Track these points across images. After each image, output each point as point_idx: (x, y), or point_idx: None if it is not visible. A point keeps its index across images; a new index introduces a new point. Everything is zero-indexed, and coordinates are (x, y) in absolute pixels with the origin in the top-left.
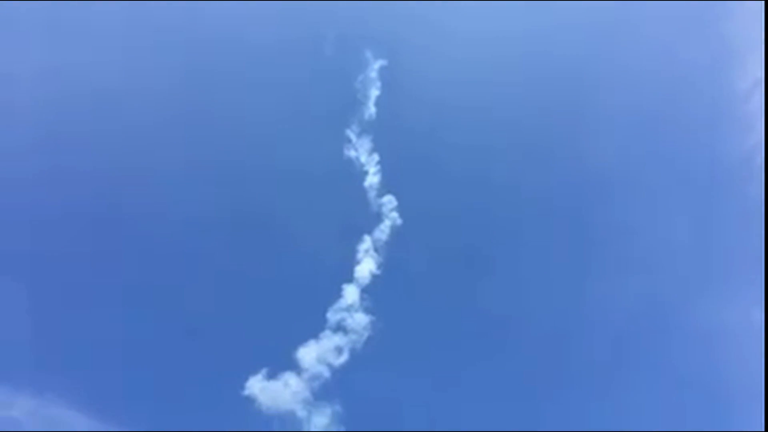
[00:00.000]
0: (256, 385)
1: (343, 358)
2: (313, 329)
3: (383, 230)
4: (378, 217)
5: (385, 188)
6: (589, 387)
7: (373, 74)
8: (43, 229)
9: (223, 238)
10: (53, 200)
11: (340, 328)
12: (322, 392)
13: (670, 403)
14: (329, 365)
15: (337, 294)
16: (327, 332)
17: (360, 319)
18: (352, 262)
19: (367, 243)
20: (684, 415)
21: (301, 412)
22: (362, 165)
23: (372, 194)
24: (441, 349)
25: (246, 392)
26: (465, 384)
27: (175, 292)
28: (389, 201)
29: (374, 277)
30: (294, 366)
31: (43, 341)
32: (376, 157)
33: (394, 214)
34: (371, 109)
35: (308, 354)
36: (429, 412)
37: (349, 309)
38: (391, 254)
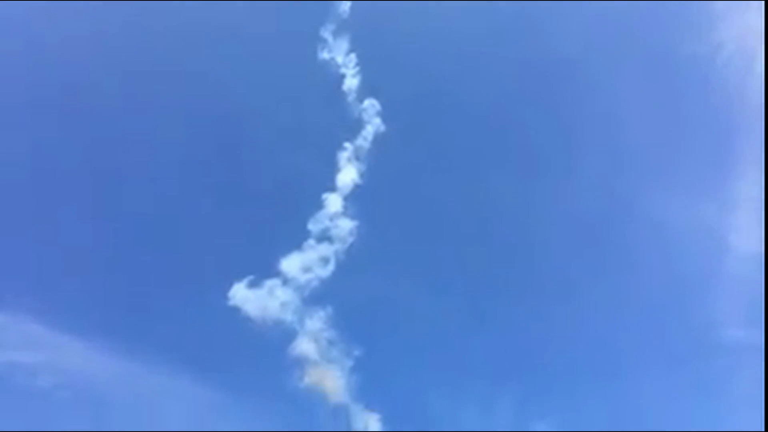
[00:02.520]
0: (241, 295)
1: (330, 265)
2: (297, 239)
3: (365, 137)
4: (359, 123)
5: (365, 92)
6: (561, 284)
7: None
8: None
9: (201, 148)
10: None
11: (324, 236)
12: (311, 299)
13: (632, 296)
14: (315, 273)
15: (320, 203)
16: (311, 241)
17: (344, 227)
18: (333, 170)
19: (348, 151)
20: (640, 308)
21: (291, 318)
22: (339, 67)
23: (352, 98)
24: (426, 251)
25: (231, 302)
26: (450, 283)
27: (155, 201)
28: (371, 105)
29: (356, 185)
30: (279, 275)
31: (11, 254)
32: (353, 58)
33: (377, 120)
34: (346, 5)
35: (293, 263)
36: (418, 310)
37: (332, 218)
38: (373, 162)
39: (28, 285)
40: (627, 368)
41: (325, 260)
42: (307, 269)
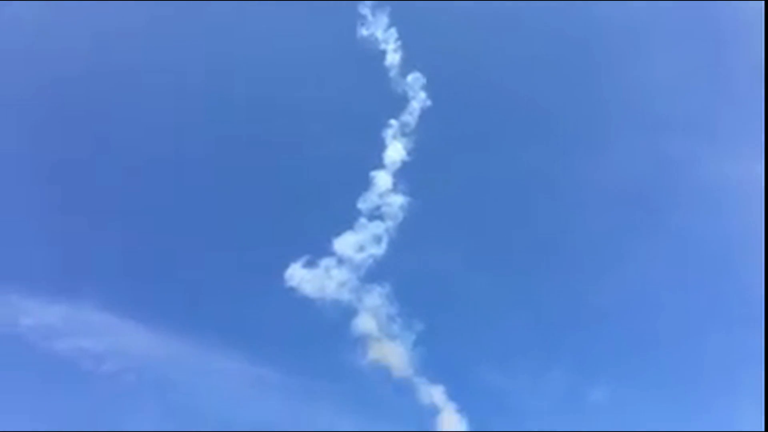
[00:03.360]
0: (298, 275)
1: (383, 243)
2: (348, 218)
3: (411, 112)
4: (404, 99)
5: (408, 67)
6: (611, 253)
7: None
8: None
9: (249, 132)
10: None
11: (375, 215)
12: (368, 277)
13: (676, 263)
14: (370, 252)
15: (368, 182)
16: (362, 220)
17: (394, 204)
18: (380, 148)
19: (394, 127)
20: (688, 275)
21: (349, 297)
22: (379, 43)
23: (394, 74)
24: (476, 224)
25: (288, 283)
26: (500, 255)
27: (209, 187)
28: (415, 80)
29: (404, 162)
30: (334, 255)
31: (75, 247)
32: (393, 32)
33: (422, 94)
34: None
35: (347, 243)
36: (472, 284)
37: (382, 195)
38: (420, 137)
39: (90, 276)
40: (678, 335)
41: (378, 238)
42: (361, 248)
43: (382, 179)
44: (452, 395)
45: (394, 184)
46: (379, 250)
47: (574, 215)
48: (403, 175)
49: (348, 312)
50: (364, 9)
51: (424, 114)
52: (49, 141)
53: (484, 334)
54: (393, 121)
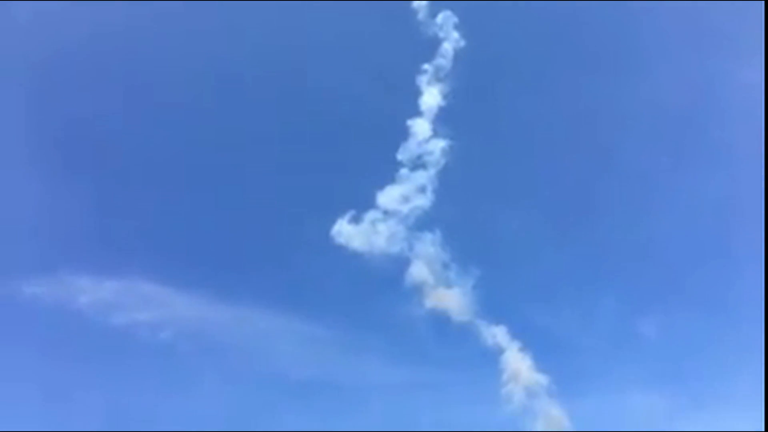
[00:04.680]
0: (345, 231)
1: (428, 191)
2: (390, 170)
3: (444, 54)
4: (435, 41)
5: (437, 6)
6: (649, 183)
7: None
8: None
9: (280, 92)
10: None
11: (417, 164)
12: (417, 226)
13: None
14: (415, 201)
15: (406, 131)
16: (404, 171)
17: (435, 151)
18: (415, 95)
19: (428, 72)
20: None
21: (400, 248)
22: None
23: (423, 15)
24: (519, 164)
25: (337, 240)
26: (545, 194)
27: (245, 154)
28: (446, 19)
29: (441, 107)
30: (378, 208)
31: (122, 224)
32: None
33: (455, 34)
34: None
35: (391, 194)
36: (519, 224)
37: (421, 143)
38: (455, 79)
39: (141, 250)
40: (729, 267)
41: (422, 188)
42: (405, 199)
43: (421, 127)
44: (516, 335)
45: (434, 131)
46: (424, 199)
47: (619, 148)
48: (442, 120)
49: (399, 263)
50: None
51: (458, 55)
52: (93, 122)
53: (537, 273)
54: (426, 66)
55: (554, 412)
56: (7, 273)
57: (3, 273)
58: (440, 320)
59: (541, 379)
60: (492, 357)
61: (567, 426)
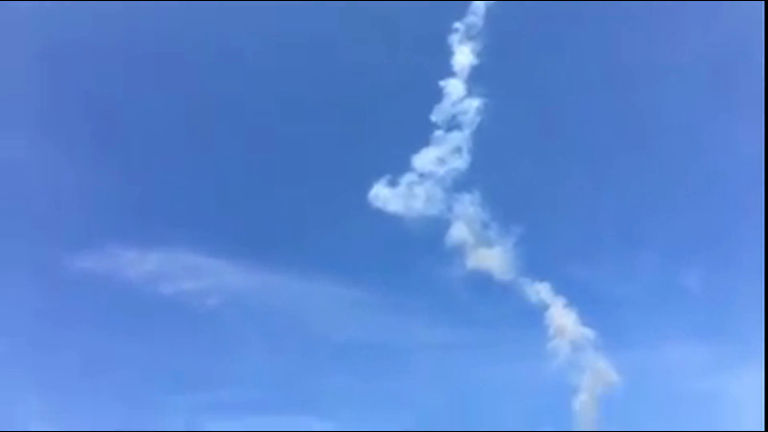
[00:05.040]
0: (383, 195)
1: (464, 152)
2: (425, 133)
3: (475, 12)
4: None
5: None
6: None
7: None
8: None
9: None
10: None
11: (452, 125)
12: (455, 187)
13: None
14: (452, 161)
15: (440, 92)
16: (439, 132)
17: (470, 111)
18: (447, 55)
19: (459, 31)
20: None
21: (439, 210)
22: None
23: None
24: (554, 120)
25: (374, 205)
26: (582, 150)
27: (281, 121)
28: None
29: (474, 66)
30: (414, 171)
31: (162, 196)
32: None
33: None
34: None
35: (426, 157)
36: (556, 181)
37: (455, 104)
38: (488, 37)
39: (183, 222)
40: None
41: (457, 148)
42: (441, 161)
43: (454, 87)
44: (559, 290)
45: (467, 91)
46: (460, 160)
47: (656, 102)
48: (475, 80)
49: (438, 225)
50: None
51: (490, 12)
52: (130, 98)
53: (578, 229)
54: (457, 25)
55: (600, 365)
56: (57, 249)
57: (53, 249)
58: (482, 280)
59: (587, 332)
60: (536, 314)
61: (613, 378)
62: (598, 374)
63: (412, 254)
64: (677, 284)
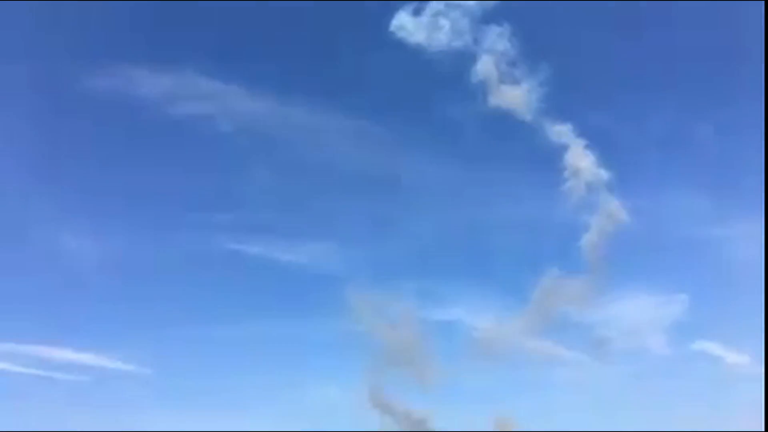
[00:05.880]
0: (406, 25)
1: None
2: None
3: None
4: None
5: None
6: None
7: None
8: None
9: None
10: None
11: None
12: (484, 19)
13: None
14: None
15: None
16: None
17: None
18: None
19: None
20: None
21: (465, 43)
22: None
23: None
24: None
25: (397, 35)
26: None
27: None
28: None
29: None
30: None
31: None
32: None
33: None
34: None
35: None
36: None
37: None
38: None
39: (196, 45)
40: None
41: None
42: None
43: None
44: (580, 133)
45: None
46: None
47: None
48: None
49: (463, 59)
50: None
51: None
52: None
53: (604, 73)
54: None
55: (613, 206)
56: (67, 63)
57: (63, 64)
58: (503, 119)
59: (603, 174)
60: (553, 157)
61: (623, 218)
62: (609, 214)
63: (432, 89)
64: (691, 133)
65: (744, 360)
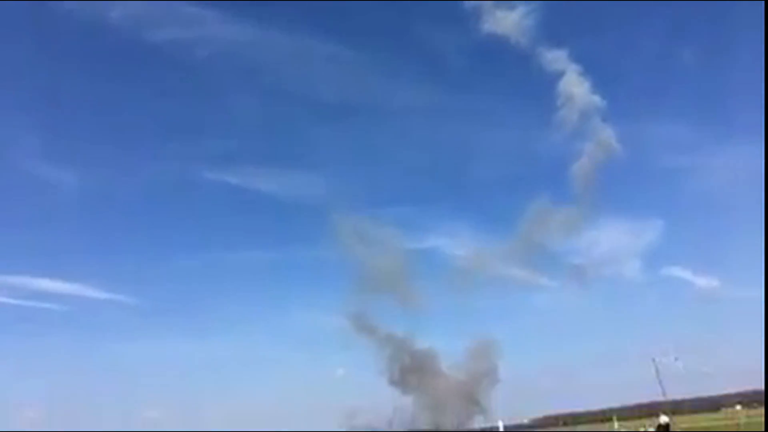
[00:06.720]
0: None
1: None
2: None
3: None
4: None
5: None
6: None
7: None
8: None
9: None
10: None
11: None
12: None
13: None
14: None
15: None
16: None
17: None
18: None
19: None
20: None
21: None
22: None
23: None
24: None
25: None
26: None
27: None
28: None
29: None
30: None
31: None
32: None
33: None
34: None
35: None
36: None
37: None
38: None
39: None
40: None
41: None
42: None
43: None
44: (575, 59)
45: None
46: None
47: None
48: None
49: None
50: None
51: None
52: None
53: None
54: None
55: (606, 133)
56: None
57: None
58: (498, 45)
59: (597, 100)
60: (549, 84)
61: (615, 146)
62: (601, 142)
63: (420, 15)
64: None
65: (713, 284)
